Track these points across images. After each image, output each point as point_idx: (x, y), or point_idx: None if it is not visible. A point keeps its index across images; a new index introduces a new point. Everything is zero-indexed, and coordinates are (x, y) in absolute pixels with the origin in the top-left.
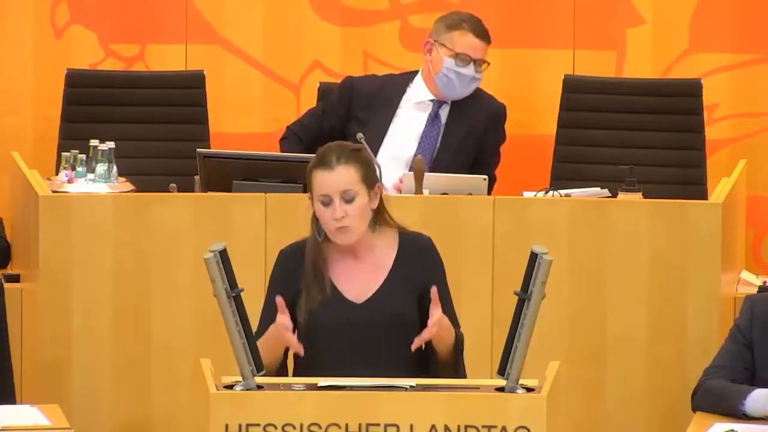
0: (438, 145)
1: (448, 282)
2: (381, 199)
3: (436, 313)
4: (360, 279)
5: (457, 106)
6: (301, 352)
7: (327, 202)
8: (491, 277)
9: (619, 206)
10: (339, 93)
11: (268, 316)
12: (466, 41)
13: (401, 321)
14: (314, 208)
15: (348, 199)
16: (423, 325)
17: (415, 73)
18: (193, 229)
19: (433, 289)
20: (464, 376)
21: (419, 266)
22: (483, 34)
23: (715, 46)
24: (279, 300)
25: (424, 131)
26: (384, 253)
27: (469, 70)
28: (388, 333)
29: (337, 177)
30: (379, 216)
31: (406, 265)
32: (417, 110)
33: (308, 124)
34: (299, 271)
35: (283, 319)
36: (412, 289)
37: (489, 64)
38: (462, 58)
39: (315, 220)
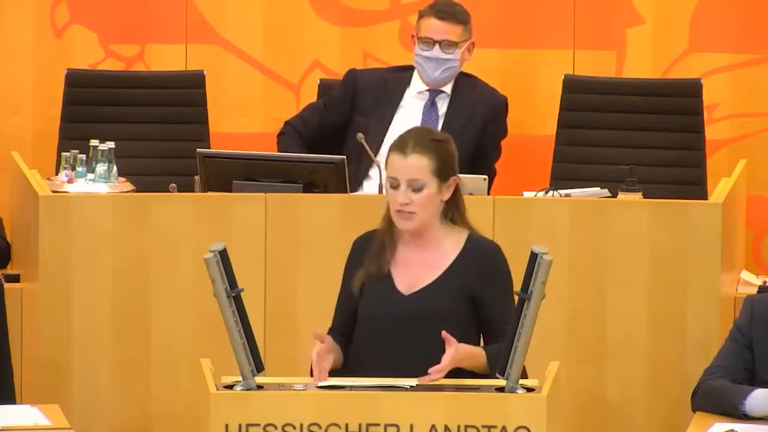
0: None
1: (511, 290)
2: (459, 196)
3: (446, 355)
4: (416, 271)
5: (457, 97)
6: (321, 379)
7: (395, 185)
8: None
9: (619, 206)
10: (343, 86)
11: (341, 306)
12: (426, 24)
13: (441, 319)
14: (386, 186)
15: (415, 188)
16: (477, 328)
17: None
18: (193, 229)
19: (444, 333)
20: None
21: (477, 271)
22: (446, 14)
23: (715, 46)
24: (316, 334)
25: (421, 121)
26: (448, 250)
27: (435, 52)
28: (427, 328)
29: (408, 164)
30: (453, 212)
31: (464, 266)
32: (417, 100)
33: (309, 118)
34: (366, 258)
35: (319, 348)
36: (463, 292)
37: (468, 48)
38: (425, 42)
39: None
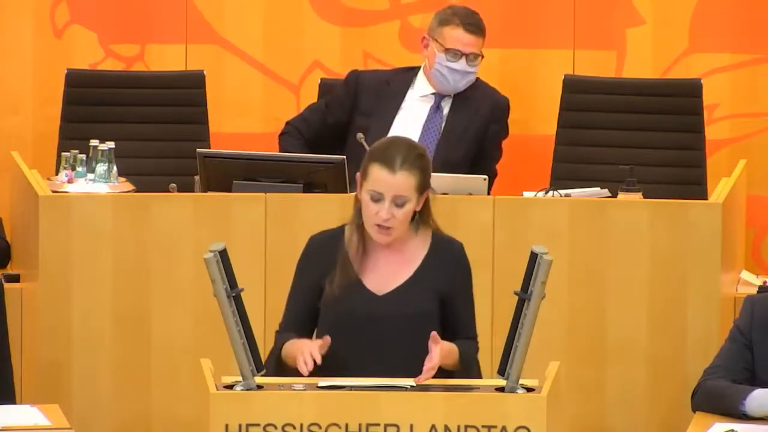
0: (440, 136)
1: (473, 288)
2: (428, 203)
3: (435, 352)
4: (386, 272)
5: (460, 98)
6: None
7: (377, 198)
8: (491, 277)
9: (619, 206)
10: (345, 86)
11: (297, 302)
12: (455, 36)
13: (418, 318)
14: (361, 195)
15: (399, 204)
16: (442, 325)
17: (420, 67)
18: (193, 229)
19: (433, 333)
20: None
21: (446, 270)
22: (474, 27)
23: (715, 46)
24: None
25: (425, 123)
26: (416, 250)
27: (461, 64)
28: (404, 328)
29: (396, 182)
30: (423, 217)
31: (433, 266)
32: (421, 103)
33: (310, 118)
34: (328, 257)
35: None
36: (435, 291)
37: (483, 56)
38: (453, 54)
39: (357, 204)
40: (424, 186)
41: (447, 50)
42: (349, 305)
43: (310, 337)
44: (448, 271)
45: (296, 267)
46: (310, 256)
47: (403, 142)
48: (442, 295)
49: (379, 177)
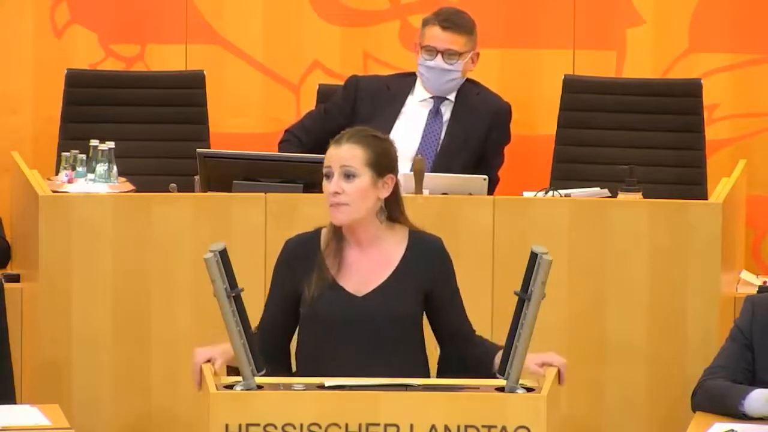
0: (441, 141)
1: (457, 283)
2: (397, 195)
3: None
4: (364, 272)
5: (461, 103)
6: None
7: (329, 174)
8: (491, 277)
9: (619, 206)
10: (344, 91)
11: (274, 306)
12: (430, 33)
13: (399, 318)
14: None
15: (347, 175)
16: (434, 325)
17: None
18: (193, 229)
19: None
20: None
21: (427, 267)
22: (450, 24)
23: (715, 46)
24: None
25: (425, 128)
26: (392, 249)
27: (437, 62)
28: (385, 329)
29: (340, 152)
30: (393, 210)
31: (413, 264)
32: (420, 107)
33: (309, 126)
34: (305, 261)
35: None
36: (417, 289)
37: (467, 55)
38: (428, 50)
39: None
40: (377, 165)
41: (423, 48)
42: (327, 307)
43: (288, 340)
44: (431, 269)
45: (273, 271)
46: (286, 259)
47: (359, 127)
48: (428, 293)
49: (328, 154)
